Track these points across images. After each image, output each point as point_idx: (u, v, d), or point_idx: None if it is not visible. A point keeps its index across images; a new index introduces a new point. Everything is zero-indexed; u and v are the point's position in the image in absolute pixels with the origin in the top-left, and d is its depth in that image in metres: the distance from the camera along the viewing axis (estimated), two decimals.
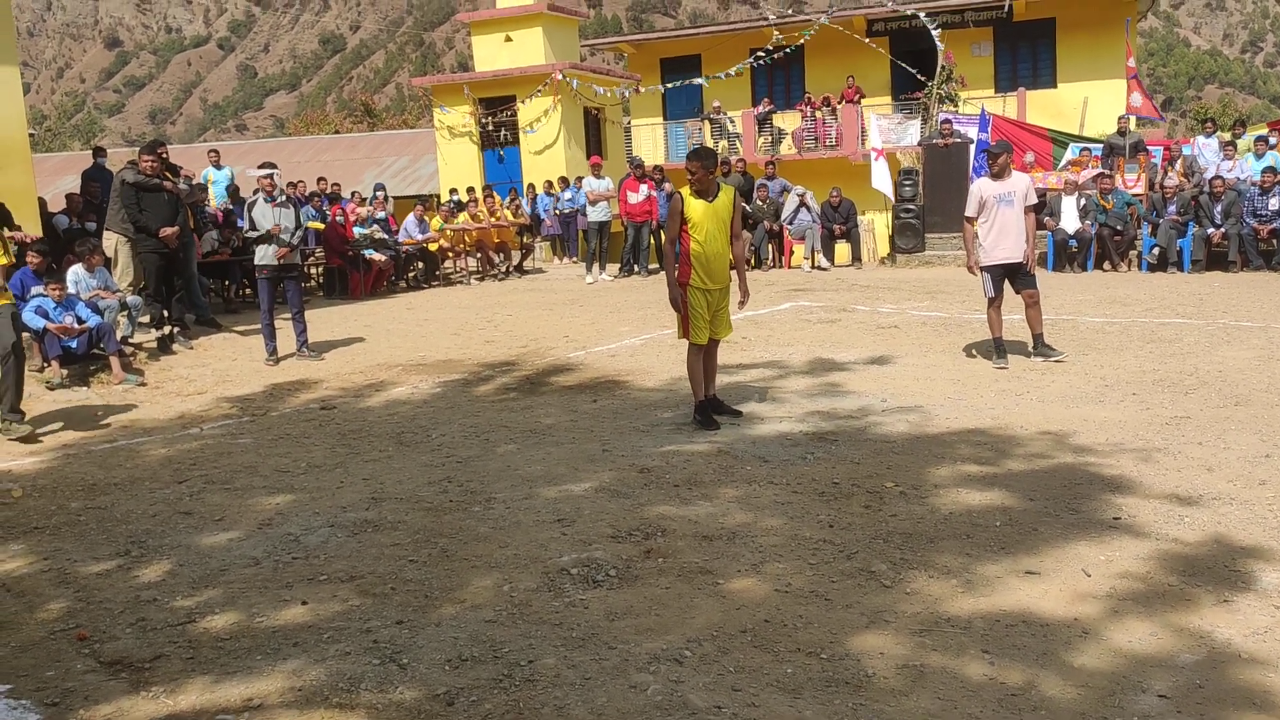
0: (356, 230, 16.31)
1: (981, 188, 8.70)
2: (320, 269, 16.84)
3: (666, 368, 9.03)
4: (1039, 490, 5.30)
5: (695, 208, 6.81)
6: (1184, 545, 4.46)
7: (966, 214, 8.79)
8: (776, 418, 7.12)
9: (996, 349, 8.67)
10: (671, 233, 6.94)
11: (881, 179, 17.89)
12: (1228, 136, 16.79)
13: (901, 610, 3.95)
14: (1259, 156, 15.43)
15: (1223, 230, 14.43)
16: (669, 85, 25.51)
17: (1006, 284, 8.74)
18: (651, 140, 26.87)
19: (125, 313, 10.27)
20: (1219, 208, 14.55)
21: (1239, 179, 15.06)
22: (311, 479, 6.18)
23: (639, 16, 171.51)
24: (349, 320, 13.04)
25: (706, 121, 25.38)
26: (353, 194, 19.00)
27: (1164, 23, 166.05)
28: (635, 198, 17.10)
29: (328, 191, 17.90)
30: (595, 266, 17.21)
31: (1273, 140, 15.90)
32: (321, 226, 15.99)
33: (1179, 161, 16.47)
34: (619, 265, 17.70)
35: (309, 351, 10.42)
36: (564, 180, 20.63)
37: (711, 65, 25.44)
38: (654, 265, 17.26)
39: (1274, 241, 14.21)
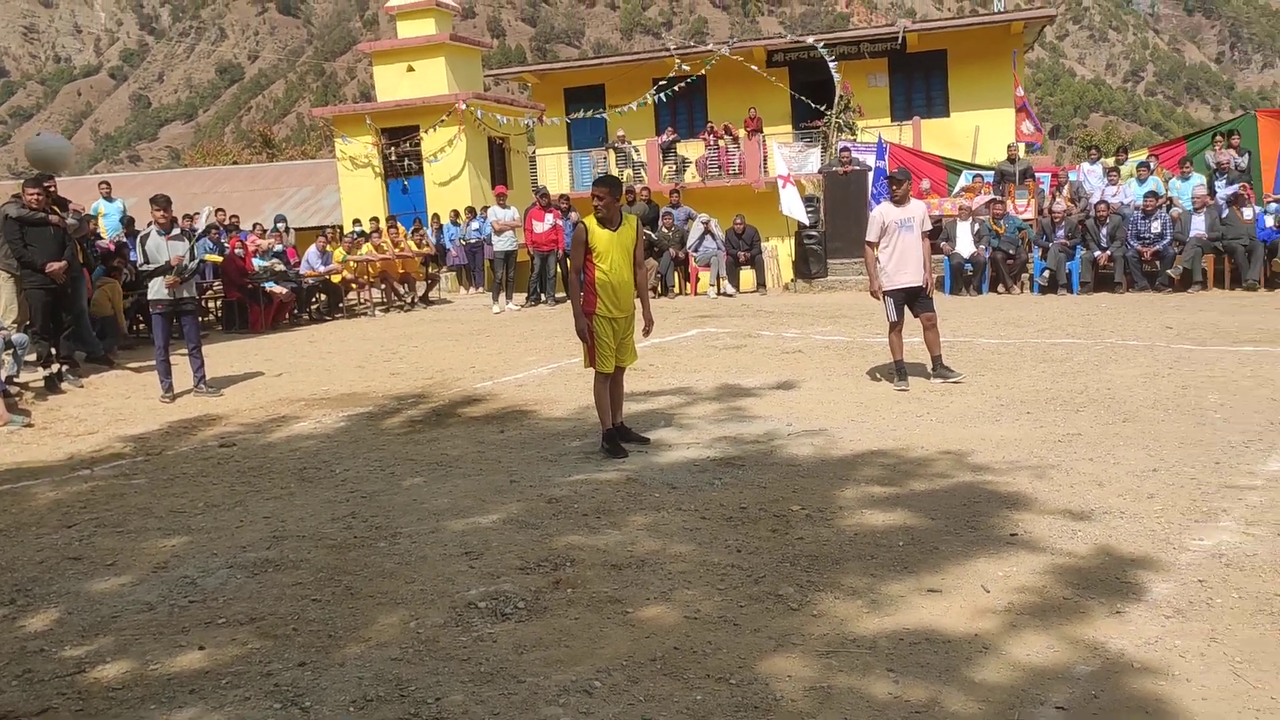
0: (256, 262, 16.00)
1: (883, 213, 8.88)
2: (219, 302, 16.46)
3: (574, 397, 9.01)
4: (940, 509, 5.42)
5: (600, 237, 6.84)
6: (1077, 559, 4.59)
7: (868, 239, 8.96)
8: (684, 444, 7.16)
9: (898, 371, 8.85)
10: (576, 262, 6.95)
11: (792, 204, 18.22)
12: (1111, 163, 17.47)
13: (809, 632, 3.99)
14: (1141, 181, 16.08)
15: (1108, 253, 15.00)
16: (573, 116, 25.64)
17: (907, 308, 8.94)
18: (557, 169, 26.94)
19: (10, 351, 9.89)
20: (1104, 231, 15.12)
21: (1123, 203, 15.68)
22: (209, 519, 6.01)
23: (543, 47, 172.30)
24: (249, 354, 12.76)
25: (611, 150, 25.55)
26: (254, 225, 18.64)
27: (1050, 53, 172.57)
28: (541, 227, 17.10)
29: (225, 223, 17.53)
30: (502, 296, 17.14)
31: (1153, 165, 16.59)
32: (220, 259, 15.64)
33: (1066, 187, 17.10)
34: (525, 295, 17.66)
35: (206, 387, 10.15)
36: (470, 210, 20.54)
37: (615, 95, 25.69)
38: (561, 294, 17.26)
39: (1156, 263, 14.80)
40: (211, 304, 16.62)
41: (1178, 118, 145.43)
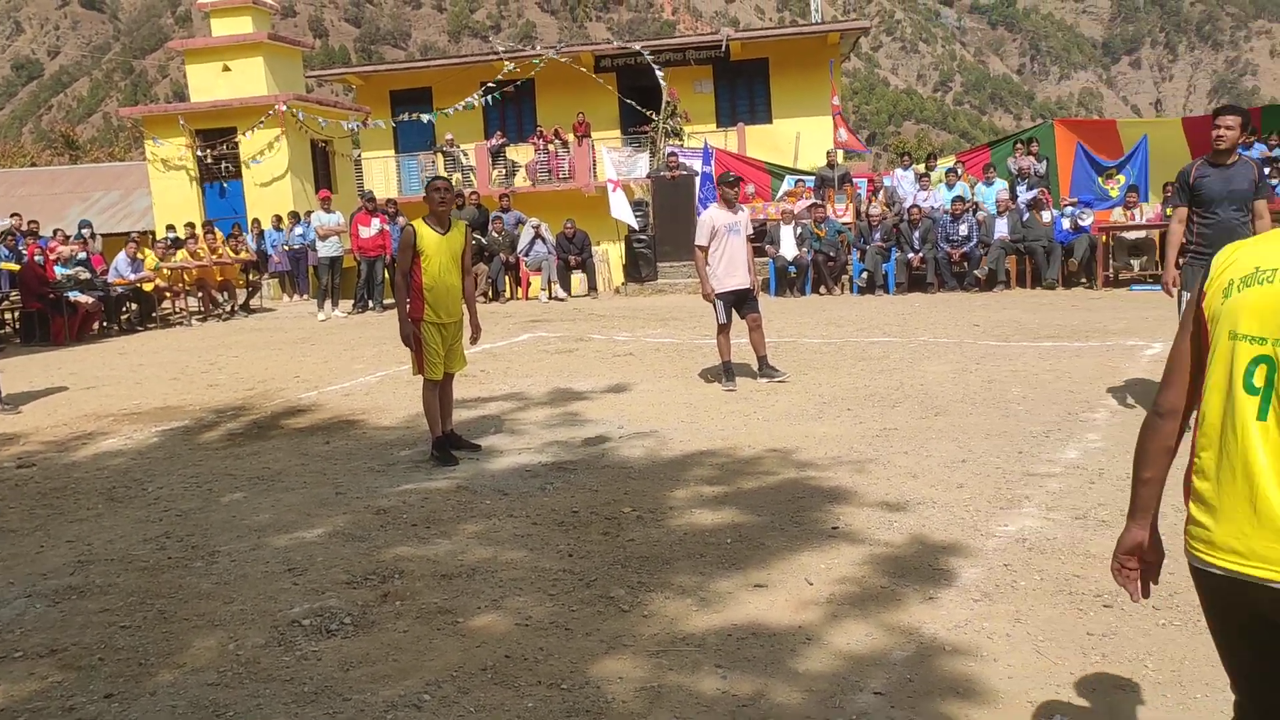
0: (58, 270, 15.08)
1: (713, 217, 9.00)
2: (16, 314, 15.44)
3: (403, 405, 8.84)
4: (766, 505, 5.56)
5: (428, 240, 6.73)
6: (894, 548, 4.79)
7: (698, 242, 9.05)
8: (515, 450, 7.12)
9: (725, 372, 9.02)
10: (404, 265, 6.82)
11: (621, 209, 18.35)
12: (922, 169, 18.32)
13: (640, 633, 4.03)
14: (950, 187, 16.93)
15: (921, 255, 15.72)
16: (399, 119, 25.18)
17: (734, 310, 9.13)
18: (384, 173, 26.42)
19: None
20: (916, 234, 15.83)
21: (933, 207, 16.46)
22: (5, 545, 5.63)
23: (368, 48, 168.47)
24: (51, 368, 12.02)
25: (439, 154, 25.22)
26: (55, 232, 17.58)
27: (866, 64, 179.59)
28: (367, 232, 16.74)
29: (23, 229, 16.46)
30: (327, 304, 16.69)
31: (960, 171, 17.49)
32: (16, 268, 14.69)
33: (881, 192, 17.84)
34: (352, 301, 17.24)
35: (4, 404, 9.51)
36: (293, 215, 19.91)
37: (443, 98, 25.36)
38: (389, 300, 16.92)
39: (965, 264, 15.59)
40: (8, 315, 15.58)
41: (983, 126, 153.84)
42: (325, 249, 17.16)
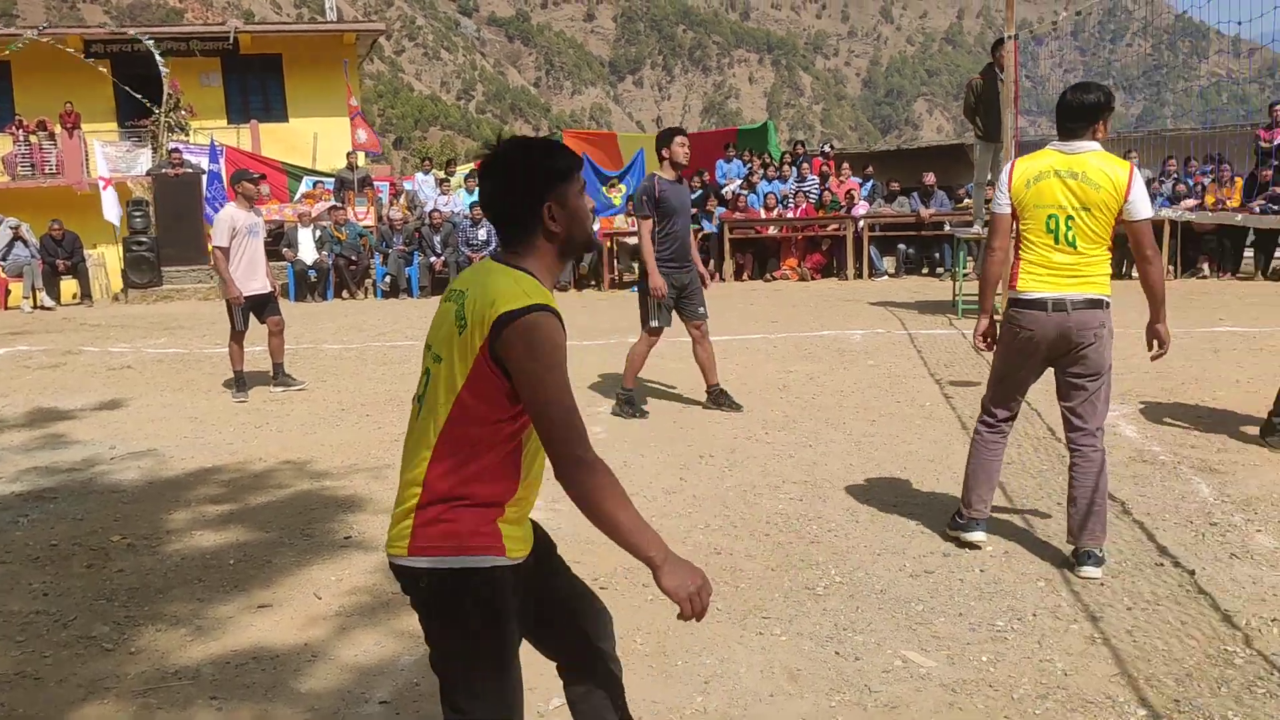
0: None
1: (233, 216, 8.40)
2: None
3: None
4: (276, 521, 5.31)
5: None
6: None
7: (218, 243, 8.40)
8: None
9: (238, 382, 8.53)
10: None
11: (111, 209, 16.70)
12: (442, 174, 18.57)
13: (125, 673, 3.67)
14: (470, 192, 17.30)
15: (443, 258, 15.92)
16: None
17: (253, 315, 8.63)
18: None
19: None
20: (438, 238, 16.02)
21: (454, 212, 16.74)
22: None
23: None
24: None
25: None
26: None
27: (390, 68, 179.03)
28: None
29: None
30: None
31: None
32: None
33: (403, 196, 17.84)
34: None
35: None
36: None
37: None
38: None
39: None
40: None
41: (506, 135, 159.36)
42: None
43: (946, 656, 3.60)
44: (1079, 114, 4.20)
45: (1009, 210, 4.35)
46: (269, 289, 8.66)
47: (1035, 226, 4.25)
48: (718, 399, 7.48)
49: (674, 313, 7.35)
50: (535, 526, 2.47)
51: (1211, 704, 3.21)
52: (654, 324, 7.28)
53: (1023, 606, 3.97)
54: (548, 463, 2.26)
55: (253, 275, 8.53)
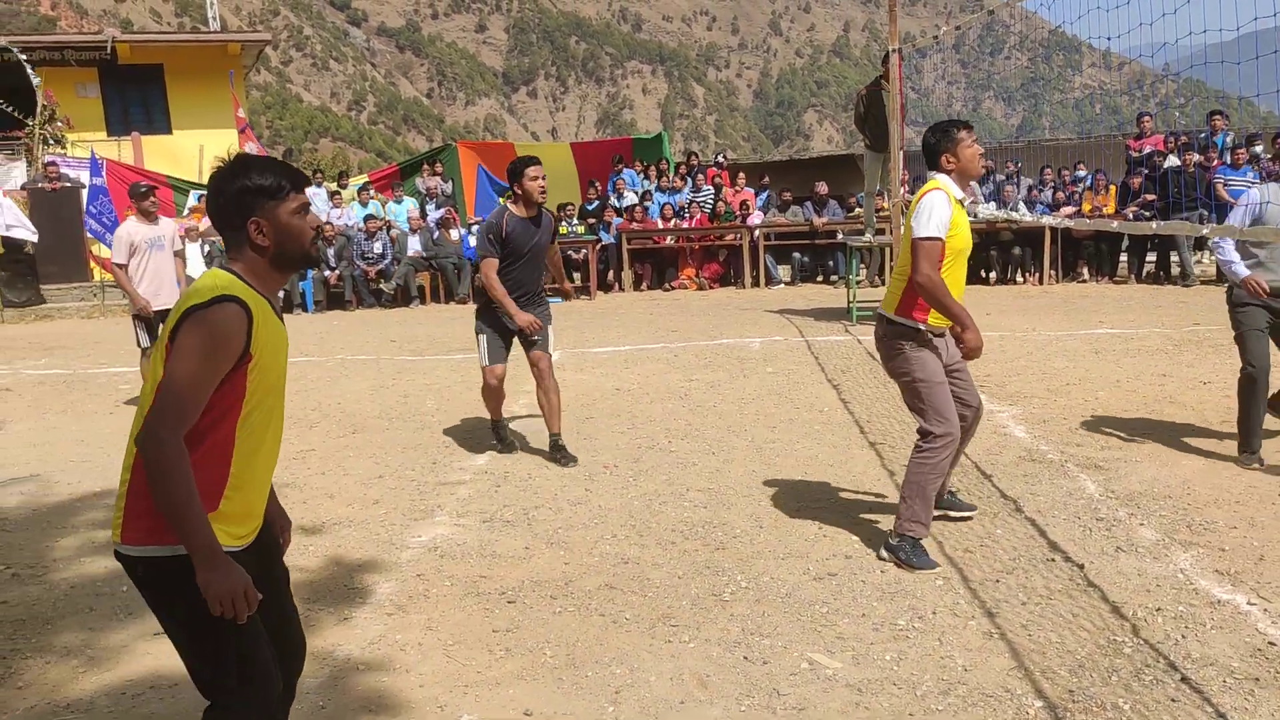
0: None
1: (130, 231, 8.26)
2: None
3: None
4: None
5: None
6: (310, 572, 4.68)
7: (116, 260, 8.28)
8: None
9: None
10: None
11: (18, 219, 16.02)
12: (334, 187, 18.24)
13: (13, 707, 3.52)
14: (364, 205, 17.04)
15: (338, 272, 15.65)
16: None
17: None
18: None
19: None
20: (332, 252, 15.74)
21: (347, 225, 16.47)
22: None
23: None
24: None
25: None
26: None
27: (277, 78, 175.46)
28: None
29: None
30: None
31: (371, 190, 17.68)
32: None
33: None
34: None
35: None
36: None
37: None
38: None
39: (380, 280, 15.80)
40: None
41: (399, 146, 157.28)
42: None
43: (851, 657, 3.68)
44: (925, 152, 4.69)
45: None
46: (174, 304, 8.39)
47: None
48: (555, 451, 6.47)
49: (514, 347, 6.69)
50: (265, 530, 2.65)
51: (1104, 693, 3.34)
52: (485, 362, 6.59)
53: (923, 605, 4.07)
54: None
55: (158, 290, 8.31)
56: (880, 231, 13.28)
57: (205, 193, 13.33)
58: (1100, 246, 15.06)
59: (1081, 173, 15.89)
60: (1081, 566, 4.39)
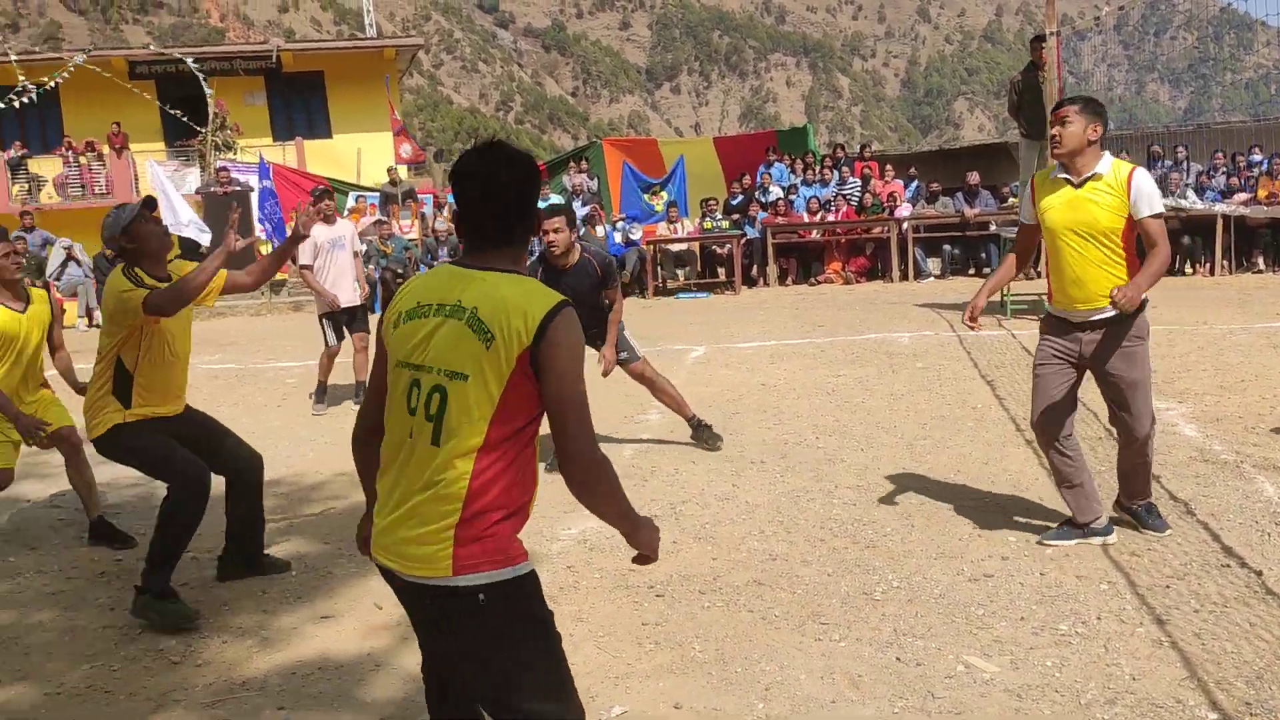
0: None
1: (313, 233, 8.27)
2: None
3: None
4: (334, 533, 5.38)
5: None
6: None
7: (302, 262, 8.48)
8: (43, 499, 6.37)
9: (320, 393, 8.62)
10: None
11: (194, 222, 17.04)
12: None
13: (193, 684, 3.74)
14: None
15: None
16: None
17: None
18: None
19: None
20: None
21: None
22: None
23: None
24: None
25: None
26: None
27: (428, 81, 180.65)
28: None
29: None
30: None
31: None
32: None
33: (446, 208, 17.98)
34: None
35: None
36: None
37: None
38: None
39: None
40: None
41: (544, 145, 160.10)
42: None
43: (1010, 661, 3.57)
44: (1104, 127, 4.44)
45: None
46: (357, 301, 8.71)
47: None
48: (699, 431, 6.69)
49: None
50: None
51: None
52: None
53: (1086, 610, 3.92)
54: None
55: (339, 289, 8.57)
56: None
57: (362, 194, 13.69)
58: (1278, 235, 14.20)
59: (1257, 157, 15.03)
60: (1260, 573, 4.15)
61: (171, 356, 4.61)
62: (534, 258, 6.28)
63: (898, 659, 3.63)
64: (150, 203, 4.61)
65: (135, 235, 4.49)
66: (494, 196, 2.30)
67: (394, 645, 3.95)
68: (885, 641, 3.77)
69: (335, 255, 8.57)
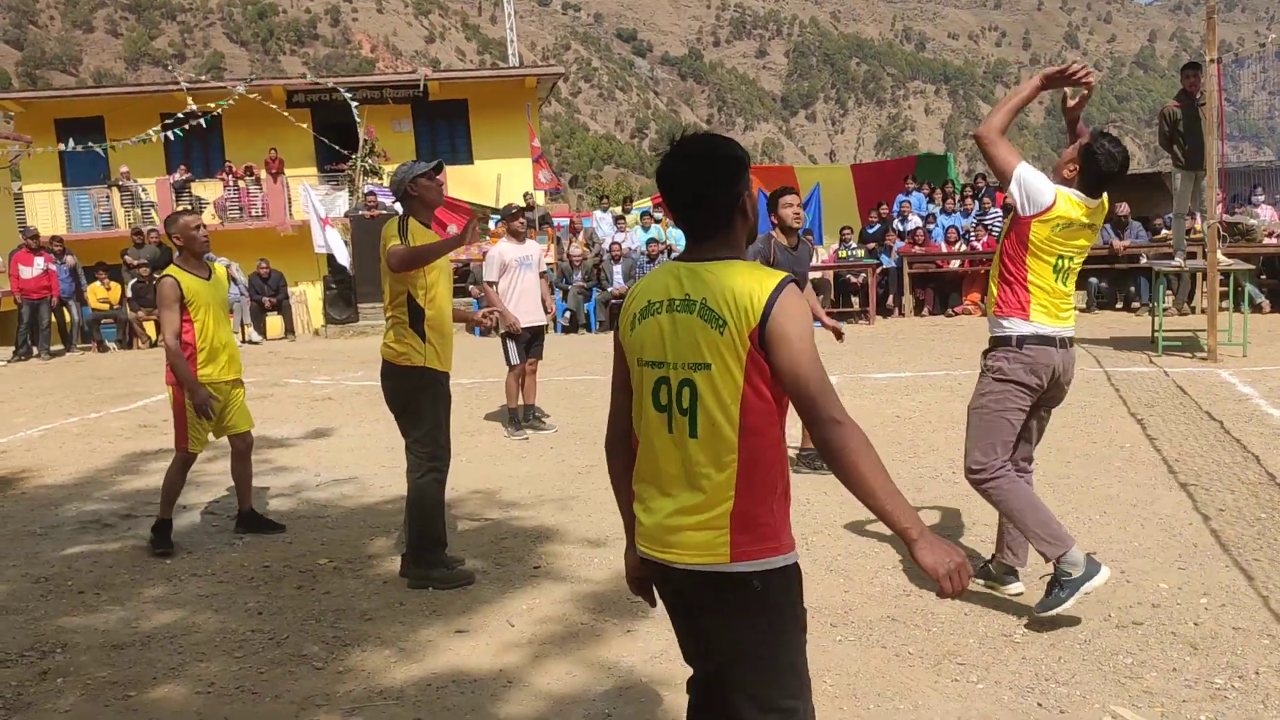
0: None
1: (502, 251, 8.45)
2: None
3: (71, 461, 8.09)
4: (469, 549, 5.49)
5: (193, 287, 5.69)
6: (596, 584, 4.86)
7: (487, 278, 8.50)
8: (201, 504, 6.67)
9: (514, 419, 8.54)
10: (173, 324, 5.62)
11: (336, 244, 17.76)
12: (619, 210, 18.92)
13: (335, 691, 3.86)
14: (645, 229, 17.57)
15: (625, 290, 16.20)
16: (65, 148, 23.14)
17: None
18: (50, 208, 24.18)
19: None
20: (618, 269, 16.32)
21: (630, 248, 17.03)
22: None
23: (32, 73, 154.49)
24: None
25: (115, 188, 23.44)
26: None
27: (566, 109, 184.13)
28: (29, 272, 15.30)
29: None
30: None
31: (658, 215, 18.20)
32: None
33: (581, 233, 18.26)
34: (13, 348, 15.64)
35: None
36: None
37: (117, 129, 23.54)
38: (57, 346, 15.48)
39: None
40: None
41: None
42: None
43: (1160, 714, 3.41)
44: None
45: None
46: (542, 322, 8.71)
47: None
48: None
49: None
50: None
51: None
52: None
53: (1243, 664, 3.72)
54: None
55: (526, 308, 8.51)
56: (1191, 255, 12.30)
57: (502, 217, 13.84)
58: None
59: None
60: None
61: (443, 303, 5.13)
62: (769, 239, 6.64)
63: (1039, 704, 3.51)
64: (439, 167, 5.13)
65: (419, 187, 5.03)
66: (703, 195, 2.32)
67: (526, 663, 4.01)
68: (1026, 686, 3.64)
69: (523, 274, 8.47)
